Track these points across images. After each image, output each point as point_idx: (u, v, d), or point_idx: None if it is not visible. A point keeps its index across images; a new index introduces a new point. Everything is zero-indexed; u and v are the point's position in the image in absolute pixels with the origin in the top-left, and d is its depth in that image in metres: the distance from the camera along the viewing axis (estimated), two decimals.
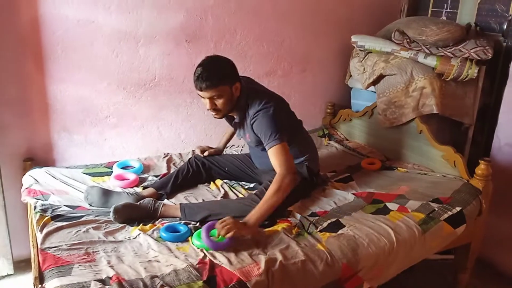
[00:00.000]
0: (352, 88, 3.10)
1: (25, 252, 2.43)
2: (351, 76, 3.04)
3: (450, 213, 2.04)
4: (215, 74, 1.93)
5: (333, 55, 3.13)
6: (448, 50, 2.51)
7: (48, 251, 1.61)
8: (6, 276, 2.46)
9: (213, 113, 2.03)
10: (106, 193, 1.99)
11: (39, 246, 1.66)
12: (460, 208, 2.08)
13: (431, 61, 2.53)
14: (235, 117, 2.14)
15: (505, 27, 2.62)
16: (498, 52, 2.58)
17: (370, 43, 2.77)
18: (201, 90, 1.93)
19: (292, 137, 2.13)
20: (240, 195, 2.16)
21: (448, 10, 2.96)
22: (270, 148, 1.98)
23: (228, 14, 2.68)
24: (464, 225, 2.06)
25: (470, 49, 2.46)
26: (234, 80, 2.00)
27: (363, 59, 2.84)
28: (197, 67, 1.95)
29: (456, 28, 2.49)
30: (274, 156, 1.98)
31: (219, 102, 1.98)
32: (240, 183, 2.31)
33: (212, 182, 2.29)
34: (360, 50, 2.87)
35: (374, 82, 2.74)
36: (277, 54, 2.92)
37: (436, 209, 2.05)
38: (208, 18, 2.64)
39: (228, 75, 1.98)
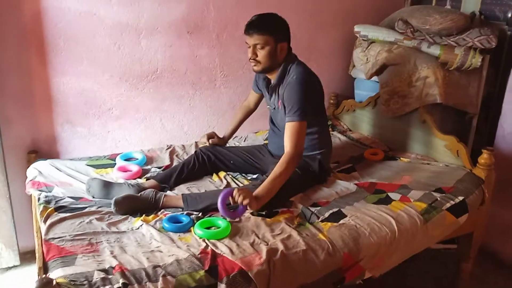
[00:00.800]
0: (355, 78, 3.08)
1: (30, 243, 2.45)
2: (354, 66, 3.02)
3: (452, 202, 2.04)
4: (266, 23, 2.03)
5: (336, 45, 3.12)
6: (451, 39, 2.49)
7: (52, 242, 1.62)
8: (12, 267, 2.49)
9: (253, 63, 2.08)
10: (107, 185, 2.01)
11: (43, 237, 1.68)
12: (463, 197, 2.08)
13: (435, 50, 2.51)
14: (272, 81, 2.16)
15: (509, 15, 2.59)
16: (502, 40, 2.55)
17: (373, 32, 2.75)
18: (248, 34, 2.02)
19: (318, 126, 2.17)
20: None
21: None
22: (290, 121, 2.01)
23: (230, 5, 2.67)
24: (466, 214, 2.05)
25: (474, 38, 2.43)
26: (282, 37, 2.07)
27: (366, 49, 2.82)
28: (253, 16, 2.05)
29: (460, 17, 2.47)
30: (290, 131, 2.01)
31: (261, 53, 2.03)
32: (243, 174, 2.31)
33: (214, 174, 2.29)
34: (363, 40, 2.85)
35: (377, 72, 2.72)
36: None
37: (439, 198, 2.05)
38: (210, 9, 2.63)
39: (278, 30, 2.06)
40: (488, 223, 2.38)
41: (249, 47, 2.05)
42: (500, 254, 2.63)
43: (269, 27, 2.02)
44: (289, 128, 2.01)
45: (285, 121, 2.07)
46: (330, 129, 2.94)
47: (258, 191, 1.88)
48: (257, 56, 2.05)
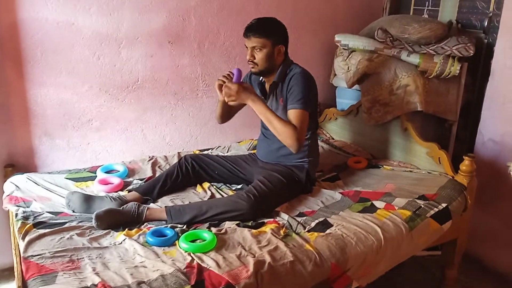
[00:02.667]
0: (337, 87, 3.10)
1: (8, 260, 2.37)
2: (335, 75, 3.04)
3: (436, 209, 2.06)
4: (264, 26, 2.09)
5: (317, 54, 3.13)
6: (430, 48, 2.53)
7: (31, 260, 1.57)
8: None
9: (251, 65, 2.14)
10: (88, 199, 1.95)
11: (21, 255, 1.62)
12: (446, 204, 2.10)
13: (414, 59, 2.55)
14: (266, 84, 2.23)
15: (486, 24, 2.65)
16: (479, 48, 2.61)
17: (353, 42, 2.78)
18: (247, 37, 2.09)
19: (309, 135, 2.19)
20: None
21: (430, 8, 2.98)
22: (293, 109, 2.06)
23: (211, 14, 2.66)
24: (450, 221, 2.07)
25: (452, 46, 2.48)
26: (280, 40, 2.13)
27: (347, 58, 2.84)
28: (254, 18, 2.12)
29: (438, 25, 2.51)
30: (292, 117, 2.05)
31: (259, 55, 2.09)
32: (228, 185, 2.29)
33: (198, 185, 2.26)
34: (344, 49, 2.87)
35: (359, 81, 2.74)
36: None
37: (422, 206, 2.06)
38: (191, 18, 2.61)
39: (277, 33, 2.12)
40: (471, 229, 2.40)
41: (247, 48, 2.11)
42: (484, 260, 2.66)
43: (267, 30, 2.08)
44: (292, 114, 2.06)
45: (285, 117, 2.09)
46: None
47: (258, 98, 2.03)
48: (255, 58, 2.10)
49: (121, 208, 1.90)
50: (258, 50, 2.09)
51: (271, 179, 2.07)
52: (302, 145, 2.06)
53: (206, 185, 2.25)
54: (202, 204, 1.96)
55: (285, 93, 2.13)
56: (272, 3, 2.84)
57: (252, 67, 2.15)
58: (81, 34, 2.35)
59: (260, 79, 2.28)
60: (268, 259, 1.62)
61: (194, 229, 1.83)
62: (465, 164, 2.24)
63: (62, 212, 1.93)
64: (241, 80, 2.11)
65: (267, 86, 2.25)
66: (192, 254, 1.63)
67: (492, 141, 2.53)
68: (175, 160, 2.47)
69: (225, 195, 2.15)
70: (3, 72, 2.23)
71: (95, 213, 1.82)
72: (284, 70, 2.17)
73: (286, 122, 2.03)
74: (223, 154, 2.59)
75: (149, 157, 2.56)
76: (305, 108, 2.06)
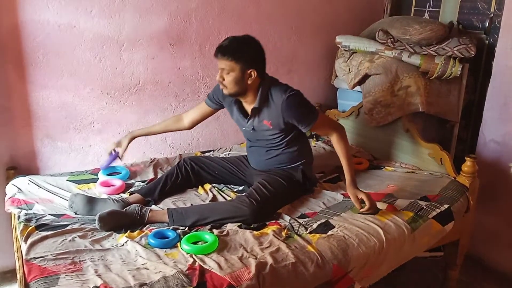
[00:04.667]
0: (338, 88, 3.10)
1: (10, 262, 2.38)
2: (336, 76, 3.04)
3: (438, 210, 2.06)
4: (235, 49, 1.96)
5: (319, 56, 3.14)
6: (431, 49, 2.53)
7: (33, 262, 1.56)
8: None
9: (221, 86, 2.06)
10: (91, 201, 1.95)
11: (24, 257, 1.62)
12: (448, 205, 2.09)
13: (415, 60, 2.55)
14: (250, 106, 2.13)
15: (487, 24, 2.65)
16: (480, 49, 2.61)
17: (354, 43, 2.78)
18: (216, 57, 1.99)
19: (296, 138, 2.17)
20: (229, 198, 2.13)
21: (431, 9, 2.98)
22: (312, 124, 2.07)
23: (212, 16, 2.67)
24: (452, 222, 2.07)
25: (453, 47, 2.48)
26: (250, 65, 1.99)
27: (348, 59, 2.85)
28: (228, 37, 2.02)
29: (439, 26, 2.51)
30: (320, 129, 2.16)
31: (227, 79, 2.00)
32: (229, 186, 2.29)
33: (200, 186, 2.26)
34: (345, 50, 2.88)
35: (360, 82, 2.74)
36: None
37: (424, 207, 2.06)
38: (192, 21, 2.62)
39: (247, 57, 1.99)
40: (473, 230, 2.40)
41: (219, 67, 2.01)
42: (486, 261, 2.66)
43: (236, 54, 1.95)
44: (320, 127, 2.13)
45: (269, 134, 2.11)
46: (314, 139, 2.95)
47: (349, 181, 2.06)
48: (224, 79, 2.01)
49: (124, 210, 1.90)
50: (226, 72, 1.98)
51: (271, 181, 2.07)
52: (341, 127, 2.17)
53: (207, 186, 2.25)
54: (204, 209, 1.96)
55: (277, 115, 2.06)
56: (273, 5, 2.84)
57: (222, 87, 2.05)
58: (83, 37, 2.36)
59: (234, 99, 2.19)
60: (270, 260, 1.61)
61: (196, 231, 1.83)
62: (467, 165, 2.24)
63: (64, 214, 1.93)
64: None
65: (246, 106, 2.17)
66: (194, 256, 1.63)
67: (494, 141, 2.53)
68: (177, 162, 2.47)
69: (226, 197, 2.15)
70: (5, 75, 2.24)
71: (98, 214, 1.82)
72: (265, 94, 2.06)
73: (342, 150, 2.12)
74: (224, 156, 2.59)
75: (151, 159, 2.56)
76: (317, 115, 2.08)
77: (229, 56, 1.95)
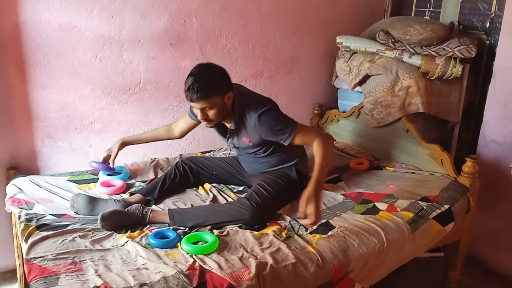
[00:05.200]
0: (338, 88, 3.10)
1: (11, 262, 2.38)
2: (337, 76, 3.04)
3: (438, 211, 2.05)
4: (207, 85, 1.89)
5: (319, 56, 3.14)
6: (432, 49, 2.52)
7: (34, 262, 1.57)
8: None
9: (205, 123, 2.01)
10: (93, 201, 1.96)
11: (24, 257, 1.62)
12: (448, 206, 2.09)
13: (416, 60, 2.54)
14: (228, 125, 2.10)
15: (487, 25, 2.64)
16: (481, 50, 2.60)
17: (355, 43, 2.78)
18: (192, 101, 1.90)
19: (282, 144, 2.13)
20: (230, 199, 2.13)
21: (431, 9, 2.98)
22: (292, 137, 1.99)
23: (212, 16, 2.67)
24: (452, 222, 2.07)
25: (454, 48, 2.48)
26: (226, 90, 1.97)
27: (349, 59, 2.84)
28: (188, 77, 1.91)
29: (440, 27, 2.51)
30: (301, 140, 2.01)
31: (211, 113, 1.95)
32: (229, 186, 2.29)
33: (200, 186, 2.26)
34: (346, 51, 2.88)
35: (360, 82, 2.74)
36: (263, 56, 2.91)
37: (425, 207, 2.06)
38: (193, 21, 2.62)
39: (220, 85, 1.95)
40: (474, 231, 2.40)
41: (195, 109, 1.96)
42: (487, 262, 2.66)
43: (211, 88, 1.90)
44: (299, 139, 2.01)
45: (251, 149, 2.11)
46: None
47: (312, 182, 1.82)
48: (207, 116, 1.96)
49: (126, 209, 1.91)
50: (209, 108, 1.93)
51: (270, 182, 2.07)
52: (323, 132, 2.10)
53: (207, 186, 2.25)
54: (204, 211, 1.95)
55: (253, 133, 2.04)
56: (274, 5, 2.84)
57: (207, 124, 2.01)
58: (83, 37, 2.36)
59: None
60: (270, 261, 1.61)
61: (196, 231, 1.83)
62: (467, 165, 2.24)
63: (64, 214, 1.93)
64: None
65: (225, 124, 2.13)
66: (194, 256, 1.63)
67: (495, 142, 2.53)
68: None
69: (227, 197, 2.15)
70: (5, 75, 2.24)
71: (100, 214, 1.82)
72: (238, 114, 2.03)
73: (320, 150, 1.94)
74: (224, 156, 2.59)
75: (151, 159, 2.56)
76: (295, 126, 1.99)
77: (208, 94, 1.89)
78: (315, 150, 1.95)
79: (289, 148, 2.13)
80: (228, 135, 2.15)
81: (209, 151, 2.72)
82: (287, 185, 2.11)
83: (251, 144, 2.11)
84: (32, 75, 2.30)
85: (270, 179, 2.09)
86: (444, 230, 2.04)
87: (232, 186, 2.30)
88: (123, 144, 2.32)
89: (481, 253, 2.67)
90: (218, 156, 2.58)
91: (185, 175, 2.24)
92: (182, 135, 2.38)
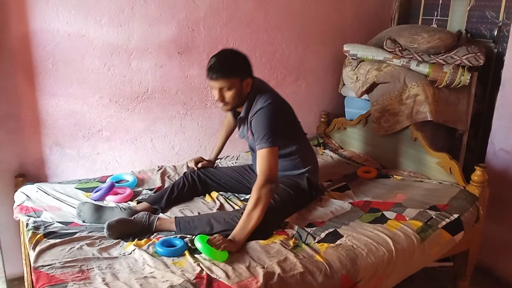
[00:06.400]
0: (345, 96, 3.10)
1: (18, 270, 2.38)
2: (344, 84, 3.04)
3: (448, 220, 2.03)
4: (228, 65, 1.96)
5: (326, 64, 3.14)
6: (440, 57, 2.52)
7: (41, 270, 1.57)
8: None
9: (221, 105, 2.04)
10: (99, 209, 1.96)
11: (32, 265, 1.62)
12: (458, 215, 2.07)
13: (424, 69, 2.54)
14: (240, 112, 2.12)
15: (495, 33, 2.64)
16: (489, 58, 2.59)
17: (362, 51, 2.78)
18: (212, 80, 1.96)
19: (296, 146, 2.14)
20: (236, 207, 2.13)
21: (439, 17, 2.98)
22: (260, 149, 1.95)
23: (220, 25, 2.68)
24: (462, 232, 2.05)
25: (462, 56, 2.47)
26: (246, 74, 2.02)
27: (356, 67, 2.84)
28: (211, 57, 1.97)
29: (447, 35, 2.50)
30: (260, 159, 1.93)
31: (228, 95, 1.99)
32: (236, 194, 2.28)
33: (207, 195, 2.26)
34: (353, 59, 2.87)
35: (368, 91, 2.74)
36: (270, 64, 2.91)
37: (434, 216, 2.04)
38: (200, 29, 2.63)
39: (241, 68, 2.00)
40: (483, 240, 2.37)
41: (214, 88, 1.99)
42: (496, 272, 2.62)
43: (233, 69, 1.96)
44: (260, 156, 1.94)
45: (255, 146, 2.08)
46: (321, 147, 2.95)
47: (235, 232, 1.79)
48: (224, 98, 1.99)
49: (133, 218, 1.90)
50: (227, 89, 1.97)
51: (277, 191, 2.05)
52: (276, 178, 1.93)
53: (214, 194, 2.25)
54: (210, 219, 1.94)
55: (251, 126, 2.05)
56: (281, 13, 2.86)
57: (223, 106, 2.04)
58: (92, 45, 2.38)
59: None
60: (277, 270, 1.60)
61: None
62: (477, 174, 2.22)
63: (72, 222, 1.93)
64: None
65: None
66: (201, 265, 1.62)
67: (504, 150, 2.51)
68: (184, 169, 2.48)
69: (234, 205, 2.15)
70: (14, 83, 2.26)
71: (107, 222, 1.82)
72: (251, 102, 2.05)
73: (251, 201, 1.83)
74: (232, 164, 2.59)
75: (158, 167, 2.56)
76: (272, 145, 1.94)
77: (228, 73, 1.94)
78: (250, 199, 1.85)
79: (301, 153, 2.14)
80: (238, 124, 2.18)
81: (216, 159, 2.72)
82: (295, 194, 2.10)
83: (250, 138, 2.10)
84: (41, 83, 2.32)
85: (278, 188, 2.08)
86: (453, 239, 2.02)
87: (240, 194, 2.29)
88: (211, 163, 2.45)
89: (490, 262, 2.64)
90: (225, 164, 2.58)
91: (193, 184, 2.24)
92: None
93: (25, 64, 2.26)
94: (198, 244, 1.69)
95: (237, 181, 2.31)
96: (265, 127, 1.96)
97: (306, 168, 2.18)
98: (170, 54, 2.58)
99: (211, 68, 1.94)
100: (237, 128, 2.24)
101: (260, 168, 1.92)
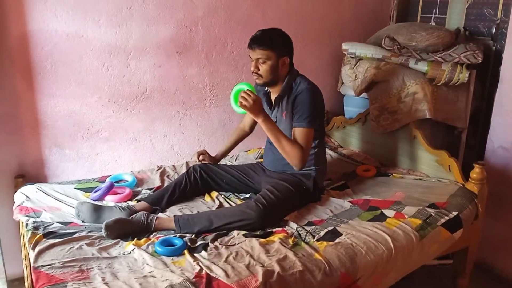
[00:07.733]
0: (344, 95, 3.10)
1: (18, 270, 2.38)
2: (343, 83, 3.04)
3: (447, 218, 2.04)
4: (269, 38, 2.07)
5: (325, 63, 3.14)
6: (438, 55, 2.52)
7: (41, 270, 1.57)
8: None
9: (255, 77, 2.12)
10: (97, 209, 1.96)
11: (31, 265, 1.62)
12: (457, 212, 2.08)
13: (422, 67, 2.54)
14: (274, 95, 2.20)
15: (494, 30, 2.64)
16: (488, 56, 2.59)
17: (361, 50, 2.78)
18: (251, 49, 2.07)
19: (316, 142, 2.18)
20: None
21: (437, 15, 2.98)
22: (299, 127, 2.06)
23: (218, 24, 2.68)
24: (461, 229, 2.05)
25: (460, 54, 2.47)
26: (284, 52, 2.11)
27: (355, 66, 2.84)
28: (257, 31, 2.09)
29: (446, 33, 2.50)
30: (299, 136, 2.05)
31: (263, 67, 2.08)
32: (236, 194, 2.28)
33: (207, 194, 2.26)
34: (351, 57, 2.88)
35: (366, 89, 2.74)
36: None
37: (433, 214, 2.04)
38: (198, 29, 2.63)
39: (281, 45, 2.10)
40: (482, 237, 2.37)
41: (252, 61, 2.10)
42: (496, 269, 2.63)
43: (271, 42, 2.07)
44: (298, 133, 2.06)
45: (288, 129, 2.11)
46: None
47: (265, 114, 2.01)
48: (259, 70, 2.09)
49: (131, 217, 1.91)
50: (262, 62, 2.08)
51: (279, 188, 2.06)
52: (307, 159, 2.07)
53: (214, 194, 2.25)
54: (210, 215, 1.96)
55: (290, 108, 2.12)
56: (279, 12, 2.86)
57: (257, 79, 2.13)
58: (90, 46, 2.38)
59: (265, 89, 2.27)
60: (277, 268, 1.61)
61: (203, 238, 1.82)
62: (476, 171, 2.22)
63: (71, 222, 1.93)
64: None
65: (272, 96, 2.25)
66: (200, 264, 1.63)
67: (502, 148, 2.51)
68: (184, 169, 2.47)
69: (233, 204, 2.15)
70: (13, 84, 2.26)
71: (104, 222, 1.82)
72: (290, 83, 2.15)
73: (293, 143, 2.04)
74: (231, 163, 2.59)
75: (158, 166, 2.56)
76: (311, 126, 2.07)
77: (265, 45, 2.05)
78: (293, 143, 2.03)
79: (317, 152, 2.19)
80: (273, 105, 2.23)
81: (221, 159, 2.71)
82: (297, 192, 2.11)
83: (284, 118, 2.16)
84: (40, 84, 2.32)
85: (280, 184, 2.09)
86: (452, 237, 2.02)
87: (240, 194, 2.29)
88: (215, 159, 2.47)
89: (489, 260, 2.64)
90: (224, 163, 2.58)
91: (195, 184, 2.23)
92: (251, 129, 2.54)
93: (23, 65, 2.26)
94: (235, 88, 1.98)
95: (239, 181, 2.30)
96: (310, 107, 2.06)
97: (317, 167, 2.20)
98: (168, 54, 2.58)
99: (252, 38, 2.07)
100: (267, 111, 2.20)
101: (300, 142, 2.05)
